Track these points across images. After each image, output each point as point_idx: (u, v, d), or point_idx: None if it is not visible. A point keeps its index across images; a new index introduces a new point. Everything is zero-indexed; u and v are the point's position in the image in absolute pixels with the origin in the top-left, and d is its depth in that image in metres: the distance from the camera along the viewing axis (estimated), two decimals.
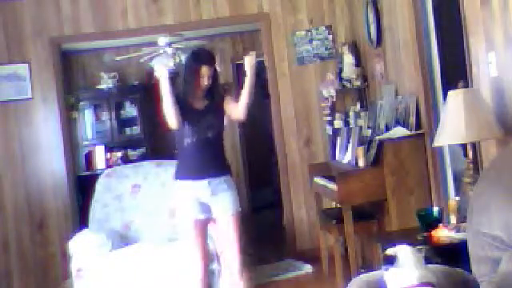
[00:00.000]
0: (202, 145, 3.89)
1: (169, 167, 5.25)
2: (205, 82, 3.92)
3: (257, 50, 4.78)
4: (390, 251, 2.22)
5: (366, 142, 4.73)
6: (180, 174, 3.96)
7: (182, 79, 3.97)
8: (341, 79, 5.93)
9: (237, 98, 4.01)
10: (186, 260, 4.41)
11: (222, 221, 3.93)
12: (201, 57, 4.00)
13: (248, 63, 3.99)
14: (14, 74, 5.94)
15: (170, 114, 3.81)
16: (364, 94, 5.87)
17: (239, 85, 9.12)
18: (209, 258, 4.05)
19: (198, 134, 3.88)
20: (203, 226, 3.93)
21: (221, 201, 3.91)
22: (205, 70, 3.91)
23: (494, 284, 2.28)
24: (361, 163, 4.63)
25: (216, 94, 4.04)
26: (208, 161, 3.89)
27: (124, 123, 9.08)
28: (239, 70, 9.28)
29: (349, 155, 5.04)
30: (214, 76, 3.97)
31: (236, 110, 3.98)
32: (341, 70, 5.99)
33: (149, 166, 5.40)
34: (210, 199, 3.90)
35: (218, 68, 4.05)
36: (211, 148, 3.93)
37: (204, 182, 3.87)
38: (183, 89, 3.94)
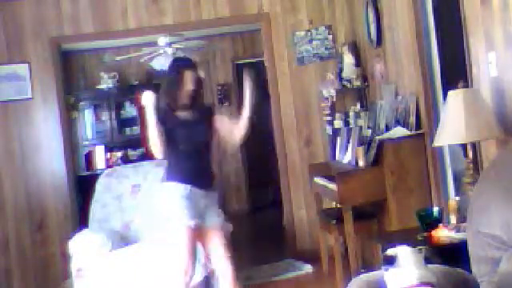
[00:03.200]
0: (193, 153, 3.89)
1: None
2: (189, 87, 3.88)
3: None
4: (389, 252, 2.22)
5: (365, 142, 4.73)
6: (172, 176, 3.87)
7: (166, 88, 3.95)
8: (341, 79, 5.93)
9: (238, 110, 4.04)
10: (175, 261, 4.39)
11: (212, 235, 3.91)
12: (183, 63, 4.05)
13: (247, 86, 3.96)
14: (14, 74, 5.94)
15: (155, 143, 3.75)
16: (364, 93, 5.87)
17: (239, 85, 9.15)
18: (195, 260, 3.92)
19: (187, 142, 3.87)
20: (195, 232, 3.83)
21: (211, 216, 3.90)
22: (188, 75, 3.90)
23: (494, 284, 2.28)
24: (361, 163, 4.63)
25: (201, 105, 4.06)
26: (202, 170, 3.90)
27: (124, 123, 9.09)
28: (239, 70, 9.29)
29: (349, 155, 5.04)
30: (198, 84, 3.94)
31: (234, 130, 3.97)
32: (341, 70, 5.99)
33: (149, 166, 5.39)
34: (204, 210, 3.87)
35: (201, 75, 4.06)
36: (201, 157, 3.92)
37: (200, 192, 3.84)
38: (167, 97, 3.91)
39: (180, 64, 4.01)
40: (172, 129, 3.84)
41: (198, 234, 3.85)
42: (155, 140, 3.75)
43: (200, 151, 3.92)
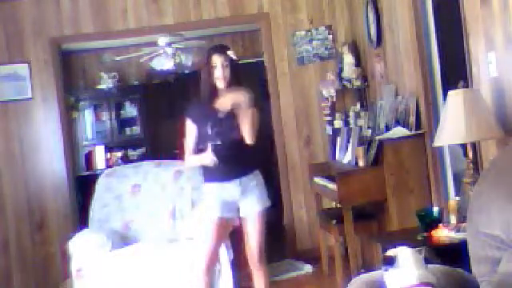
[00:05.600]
0: (227, 147, 3.68)
1: (169, 167, 5.27)
2: (218, 72, 3.68)
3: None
4: (389, 252, 2.22)
5: (365, 142, 4.73)
6: (207, 177, 3.84)
7: (201, 82, 3.79)
8: (341, 79, 5.93)
9: None
10: (186, 260, 4.42)
11: (249, 217, 3.84)
12: (211, 48, 3.83)
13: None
14: (14, 74, 5.94)
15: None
16: (364, 93, 5.87)
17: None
18: (216, 258, 3.96)
19: (222, 137, 3.68)
20: (224, 227, 3.84)
21: (249, 199, 3.80)
22: (216, 59, 3.70)
23: (494, 284, 2.28)
24: (361, 163, 4.63)
25: (243, 93, 3.72)
26: (236, 163, 3.72)
27: (124, 123, 9.09)
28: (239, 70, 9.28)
29: (349, 155, 5.04)
30: (233, 69, 3.72)
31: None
32: (341, 70, 5.99)
33: (149, 166, 5.40)
34: (240, 198, 3.78)
35: (233, 57, 3.77)
36: (238, 149, 3.71)
37: (234, 184, 3.75)
38: (202, 90, 3.76)
39: (208, 50, 3.80)
40: (209, 122, 3.68)
41: (227, 228, 3.87)
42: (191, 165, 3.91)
43: (238, 140, 3.70)
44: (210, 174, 3.81)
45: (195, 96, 3.85)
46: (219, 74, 3.71)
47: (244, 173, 3.77)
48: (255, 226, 3.85)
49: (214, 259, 3.92)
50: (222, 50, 3.78)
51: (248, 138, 3.69)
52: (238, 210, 3.83)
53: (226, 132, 3.69)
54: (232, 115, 3.71)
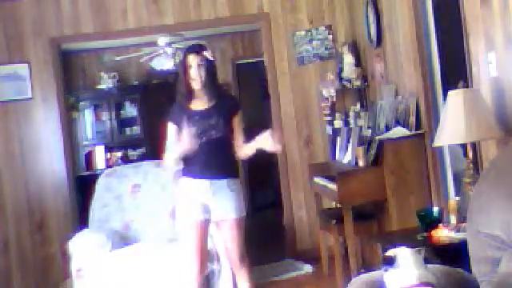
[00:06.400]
0: (206, 145, 3.66)
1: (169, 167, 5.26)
2: (193, 72, 3.68)
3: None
4: (389, 252, 2.22)
5: (365, 142, 4.73)
6: (185, 171, 3.82)
7: (177, 82, 3.81)
8: (341, 79, 5.93)
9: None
10: (186, 260, 4.41)
11: (223, 224, 3.77)
12: (187, 48, 3.82)
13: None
14: (14, 74, 5.94)
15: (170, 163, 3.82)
16: (364, 93, 5.88)
17: (238, 85, 9.16)
18: (206, 258, 3.91)
19: (202, 135, 3.66)
20: (203, 228, 3.77)
21: (223, 205, 3.73)
22: (191, 59, 3.68)
23: (494, 284, 2.28)
24: (361, 163, 4.63)
25: (222, 95, 3.81)
26: (211, 162, 3.70)
27: (124, 123, 9.09)
28: (239, 70, 9.30)
29: (349, 155, 5.04)
30: (209, 68, 3.71)
31: (238, 146, 3.80)
32: (341, 70, 5.99)
33: (149, 165, 5.39)
34: (211, 200, 3.73)
35: (209, 57, 3.73)
36: (216, 149, 3.71)
37: (206, 183, 3.71)
38: (179, 91, 3.78)
39: (185, 51, 3.80)
40: (188, 121, 3.66)
41: (205, 229, 3.79)
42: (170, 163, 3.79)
43: (218, 140, 3.72)
44: (186, 168, 3.80)
45: (172, 97, 3.86)
46: (195, 74, 3.70)
47: (217, 174, 3.73)
48: (231, 232, 3.77)
49: (204, 260, 3.85)
50: (197, 49, 3.75)
51: (240, 152, 3.79)
52: (210, 212, 3.79)
53: (204, 131, 3.68)
54: (209, 114, 3.73)
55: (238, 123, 3.80)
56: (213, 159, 3.71)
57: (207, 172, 3.71)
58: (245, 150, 3.78)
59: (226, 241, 3.82)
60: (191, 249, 3.77)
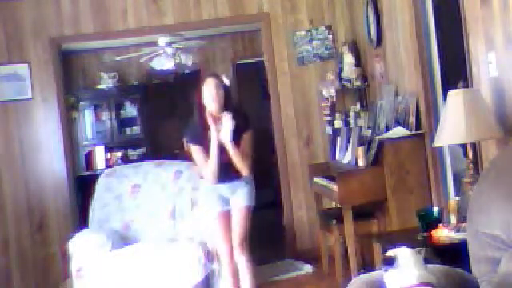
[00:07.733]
0: (221, 162, 4.09)
1: (169, 167, 5.27)
2: (210, 95, 4.04)
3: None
4: (389, 252, 2.22)
5: (365, 142, 4.73)
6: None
7: (194, 105, 4.17)
8: (341, 79, 5.93)
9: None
10: (186, 260, 4.42)
11: (235, 209, 4.20)
12: (206, 74, 4.41)
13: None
14: (14, 74, 5.93)
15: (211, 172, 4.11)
16: (364, 93, 5.87)
17: (238, 85, 9.16)
18: (232, 246, 4.22)
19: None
20: (226, 217, 4.22)
21: (238, 195, 4.19)
22: (209, 82, 4.07)
23: (494, 284, 2.28)
24: (361, 163, 4.63)
25: (236, 113, 4.13)
26: (229, 170, 4.10)
27: (124, 123, 9.09)
28: (239, 70, 9.30)
29: (349, 155, 5.04)
30: (226, 93, 4.10)
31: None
32: (341, 70, 5.99)
33: (149, 166, 5.40)
34: (231, 196, 4.21)
35: (226, 81, 4.24)
36: (230, 163, 4.11)
37: (226, 184, 4.18)
38: (195, 113, 4.16)
39: (203, 75, 4.39)
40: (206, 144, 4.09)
41: (228, 218, 4.21)
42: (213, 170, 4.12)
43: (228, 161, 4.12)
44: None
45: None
46: (212, 97, 4.06)
47: (235, 179, 4.17)
48: (239, 215, 4.19)
49: (231, 247, 4.21)
50: (215, 74, 4.28)
51: (243, 171, 4.13)
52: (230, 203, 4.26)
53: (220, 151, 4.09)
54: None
55: (244, 141, 4.14)
56: (230, 167, 4.10)
57: (226, 179, 4.16)
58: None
59: (234, 223, 4.21)
60: (218, 238, 4.27)
